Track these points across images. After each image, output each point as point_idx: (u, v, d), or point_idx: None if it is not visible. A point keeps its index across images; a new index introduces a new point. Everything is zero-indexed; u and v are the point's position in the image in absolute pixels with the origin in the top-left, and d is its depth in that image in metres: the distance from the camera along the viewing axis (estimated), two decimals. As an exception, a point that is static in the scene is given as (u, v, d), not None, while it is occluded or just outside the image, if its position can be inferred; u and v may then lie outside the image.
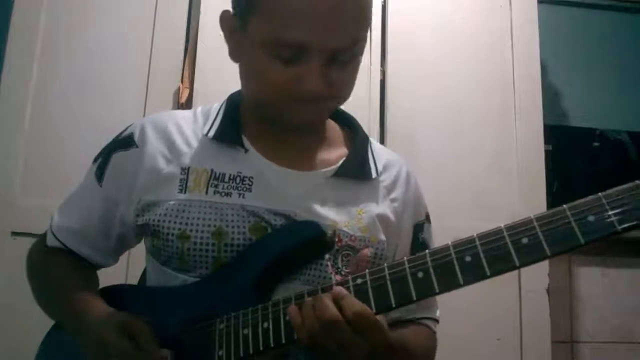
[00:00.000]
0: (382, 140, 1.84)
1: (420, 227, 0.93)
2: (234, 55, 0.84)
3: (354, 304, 0.67)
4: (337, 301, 0.67)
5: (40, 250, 0.94)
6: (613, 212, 0.59)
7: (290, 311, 0.69)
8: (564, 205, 0.61)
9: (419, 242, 0.92)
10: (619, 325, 2.17)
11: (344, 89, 0.81)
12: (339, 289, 0.69)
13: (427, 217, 0.96)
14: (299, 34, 0.72)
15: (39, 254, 0.94)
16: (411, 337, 0.87)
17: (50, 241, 0.91)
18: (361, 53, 0.81)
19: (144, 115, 1.71)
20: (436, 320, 0.96)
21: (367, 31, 0.80)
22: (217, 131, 0.86)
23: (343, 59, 0.76)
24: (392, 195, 0.90)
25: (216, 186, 0.82)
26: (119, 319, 0.77)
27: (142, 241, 0.92)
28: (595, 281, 2.19)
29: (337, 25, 0.73)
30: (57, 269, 0.90)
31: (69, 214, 0.91)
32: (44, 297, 0.92)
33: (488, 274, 0.63)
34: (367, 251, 0.84)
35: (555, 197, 1.99)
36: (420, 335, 0.92)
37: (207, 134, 0.86)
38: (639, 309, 2.19)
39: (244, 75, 0.83)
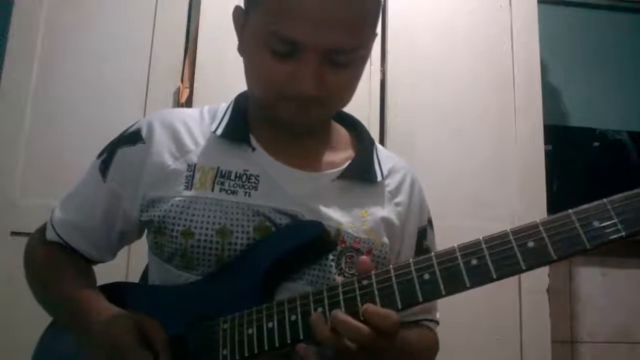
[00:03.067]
0: (382, 140, 1.84)
1: (423, 234, 0.94)
2: (241, 50, 0.85)
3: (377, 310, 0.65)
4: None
5: (37, 244, 0.93)
6: (618, 218, 0.59)
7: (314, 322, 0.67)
8: (569, 210, 0.62)
9: (422, 248, 0.92)
10: (619, 325, 2.18)
11: (338, 94, 0.80)
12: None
13: (430, 222, 0.97)
14: (292, 30, 0.73)
15: (37, 248, 0.93)
16: (414, 337, 0.88)
17: (50, 235, 0.91)
18: (361, 63, 0.80)
19: (144, 116, 1.70)
20: (436, 322, 0.97)
21: (368, 41, 0.80)
22: (225, 129, 0.86)
23: (338, 62, 0.76)
24: (397, 200, 0.91)
25: (222, 184, 0.82)
26: (134, 319, 0.76)
27: (144, 238, 0.91)
28: (595, 281, 2.19)
29: (329, 24, 0.73)
30: (56, 264, 0.89)
31: (72, 209, 0.91)
32: (42, 293, 0.91)
33: (494, 277, 0.63)
34: (370, 254, 0.84)
35: (555, 197, 1.99)
36: (423, 335, 0.93)
37: (214, 132, 0.86)
38: (639, 309, 2.19)
39: (246, 70, 0.84)
